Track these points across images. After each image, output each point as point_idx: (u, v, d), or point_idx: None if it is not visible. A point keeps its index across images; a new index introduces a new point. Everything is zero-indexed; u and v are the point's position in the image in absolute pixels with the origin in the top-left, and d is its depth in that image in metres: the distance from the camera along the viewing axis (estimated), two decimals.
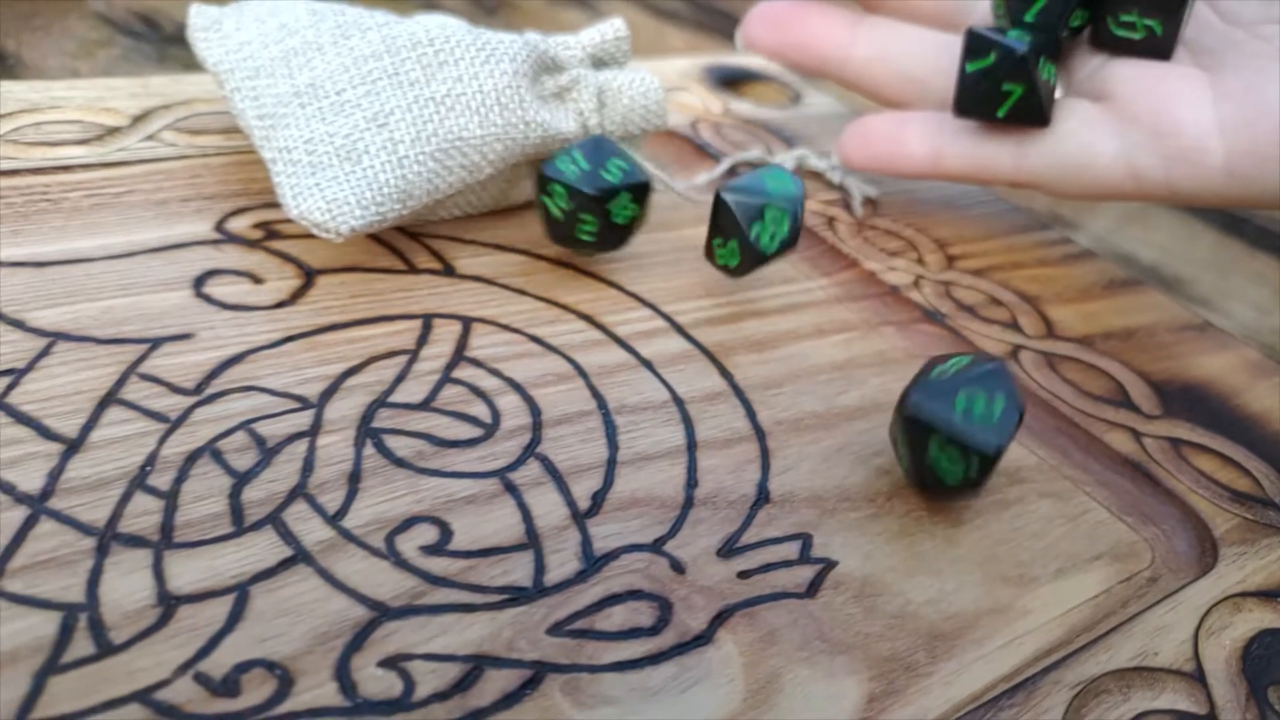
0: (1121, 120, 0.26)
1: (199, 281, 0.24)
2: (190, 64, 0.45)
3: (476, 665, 0.17)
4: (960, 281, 0.30)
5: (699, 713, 0.16)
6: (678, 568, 0.19)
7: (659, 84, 0.29)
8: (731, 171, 0.32)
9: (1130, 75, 0.26)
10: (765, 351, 0.25)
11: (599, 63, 0.29)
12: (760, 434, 0.23)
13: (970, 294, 0.29)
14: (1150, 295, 0.31)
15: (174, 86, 0.31)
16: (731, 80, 0.40)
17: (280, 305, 0.24)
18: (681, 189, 0.30)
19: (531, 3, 0.59)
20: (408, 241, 0.27)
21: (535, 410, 0.22)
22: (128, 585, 0.17)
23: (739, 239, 0.25)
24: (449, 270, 0.26)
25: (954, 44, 0.29)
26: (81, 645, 0.16)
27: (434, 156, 0.25)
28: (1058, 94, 0.28)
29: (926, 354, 0.26)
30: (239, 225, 0.26)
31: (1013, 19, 0.27)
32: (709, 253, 0.26)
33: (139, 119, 0.29)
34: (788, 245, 0.26)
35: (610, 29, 0.29)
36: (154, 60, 0.45)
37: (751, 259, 0.25)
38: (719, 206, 0.25)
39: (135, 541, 0.17)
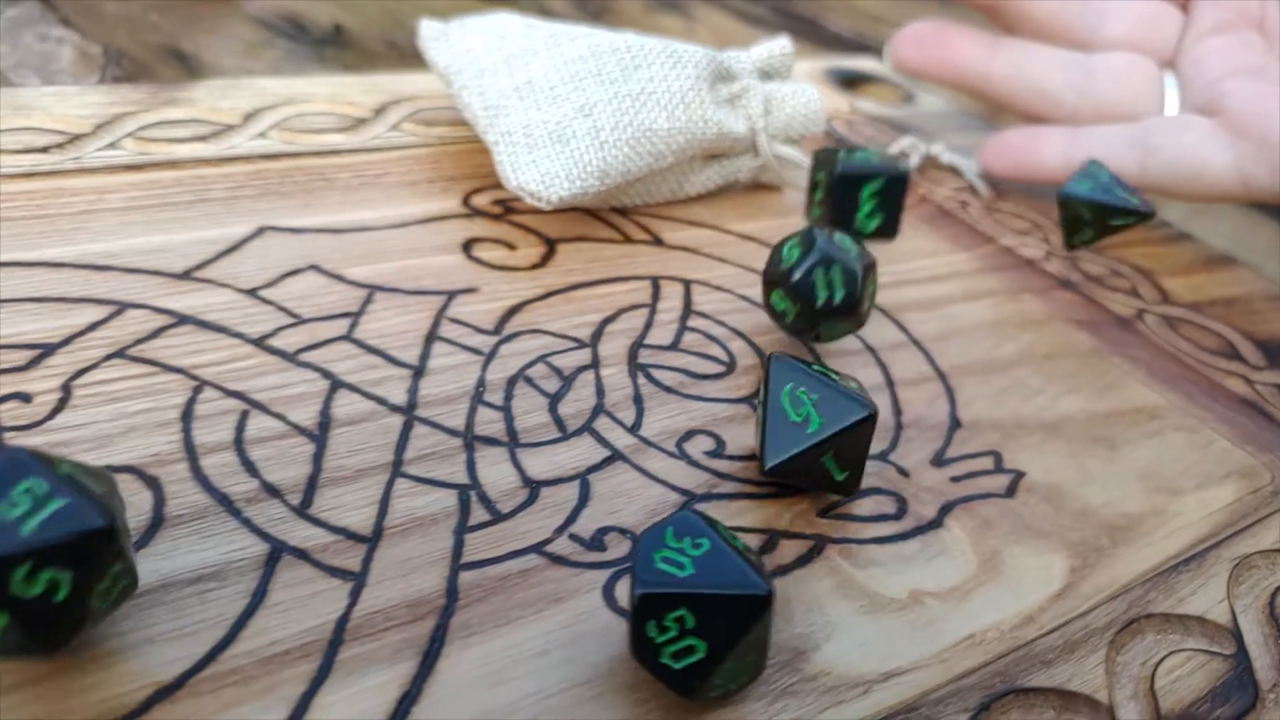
0: (1232, 134, 0.31)
1: (466, 246, 0.28)
2: (349, 64, 0.50)
3: (771, 536, 0.21)
4: (1083, 257, 0.34)
5: (946, 576, 0.21)
6: (903, 473, 0.24)
7: (818, 95, 0.33)
8: None
9: (1239, 93, 0.31)
10: (928, 311, 0.30)
11: (765, 75, 0.34)
12: (942, 376, 0.27)
13: (1094, 267, 0.34)
14: (1242, 271, 0.36)
15: (397, 84, 0.35)
16: (848, 81, 0.45)
17: (535, 267, 0.28)
18: None
19: (630, 8, 0.64)
20: (619, 218, 0.31)
21: (760, 352, 0.27)
22: (498, 472, 0.21)
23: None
24: (658, 241, 0.31)
25: (1082, 62, 0.34)
26: (479, 514, 0.20)
27: (628, 143, 0.29)
28: (1172, 111, 0.33)
29: (1065, 316, 0.31)
30: (481, 202, 0.31)
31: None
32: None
33: (379, 112, 0.33)
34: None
35: (776, 47, 0.34)
36: (313, 60, 0.50)
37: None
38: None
39: (492, 442, 0.22)
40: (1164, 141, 0.32)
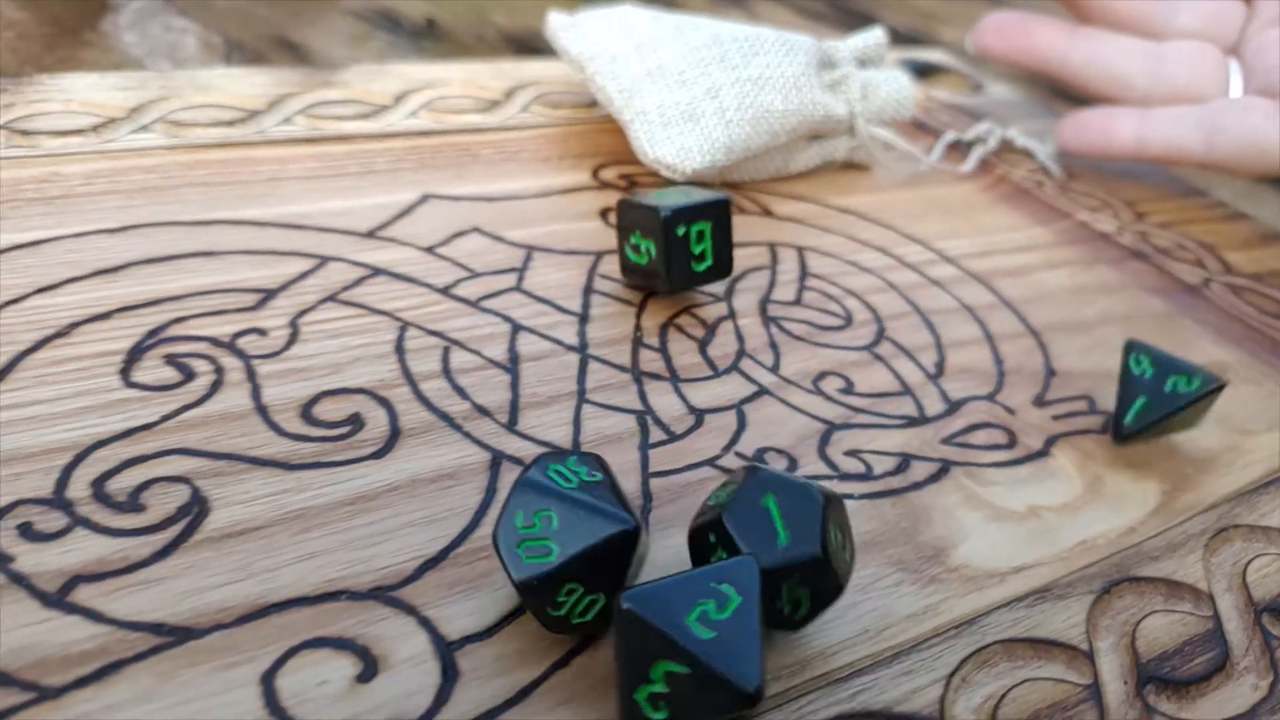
0: None
1: (603, 214, 0.32)
2: (445, 55, 0.53)
3: (905, 459, 0.24)
4: (1152, 232, 0.37)
5: (1057, 495, 0.24)
6: (1010, 411, 0.27)
7: (909, 83, 0.37)
8: (954, 145, 0.40)
9: None
10: (1016, 277, 0.33)
11: (861, 63, 0.37)
12: (1034, 332, 0.30)
13: (1162, 240, 0.37)
14: None
15: (519, 71, 0.39)
16: (920, 71, 0.48)
17: None
18: (927, 161, 0.37)
19: (694, 3, 0.67)
20: (731, 192, 0.35)
21: (873, 309, 0.30)
22: (667, 402, 0.24)
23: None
24: (768, 213, 0.34)
25: (1154, 49, 0.37)
26: (657, 434, 0.24)
27: (750, 122, 0.32)
28: (1236, 94, 0.36)
29: (1139, 284, 0.34)
30: (608, 175, 0.34)
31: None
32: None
33: (509, 95, 0.37)
34: None
35: (872, 38, 0.37)
36: (411, 52, 0.53)
37: None
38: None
39: (655, 377, 0.25)
40: (1229, 121, 0.35)
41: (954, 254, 0.34)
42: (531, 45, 0.56)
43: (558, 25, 0.35)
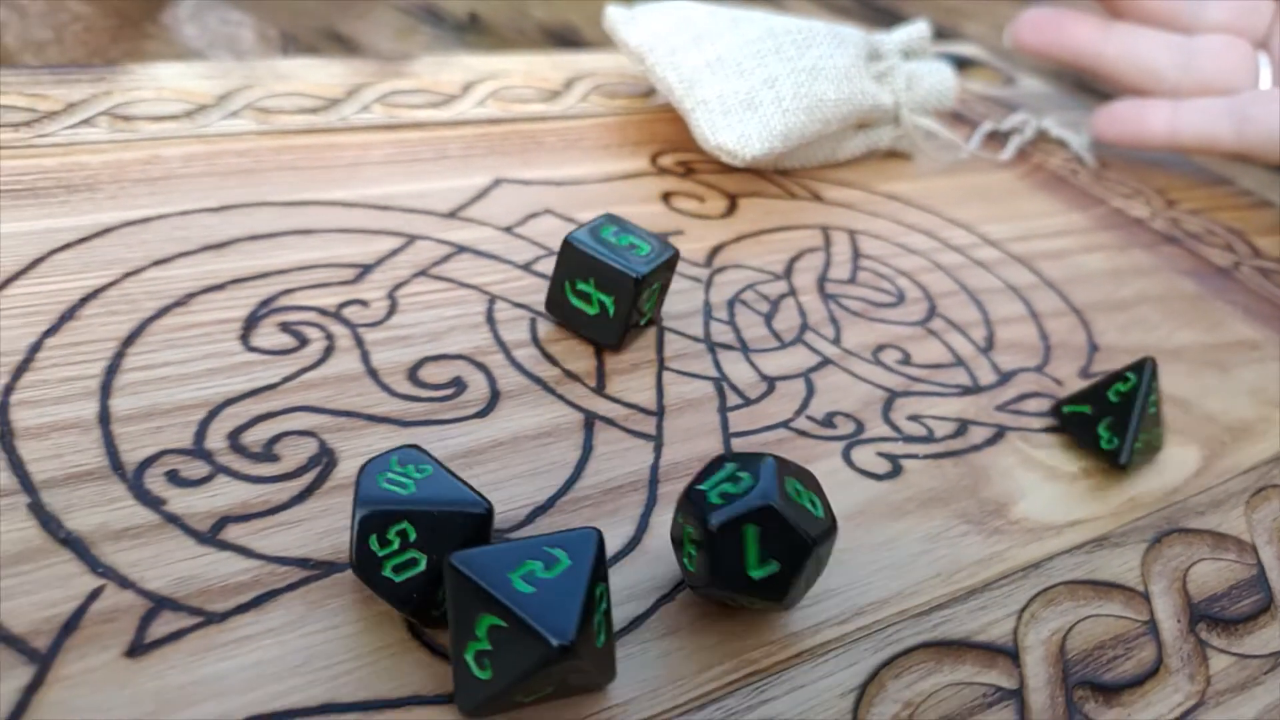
0: None
1: (665, 198, 0.33)
2: (489, 48, 0.55)
3: (962, 424, 0.26)
4: (1183, 218, 0.39)
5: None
6: (1058, 382, 0.28)
7: (951, 74, 0.38)
8: (991, 135, 0.42)
9: None
10: (1055, 260, 0.35)
11: (905, 55, 0.38)
12: (1076, 310, 0.32)
13: (1193, 226, 0.38)
14: None
15: (575, 62, 0.40)
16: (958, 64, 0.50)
17: (723, 216, 0.33)
18: (967, 149, 0.39)
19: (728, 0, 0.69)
20: (783, 179, 0.36)
21: (923, 287, 0.32)
22: (739, 370, 0.26)
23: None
24: (818, 198, 0.36)
25: (1185, 43, 0.38)
26: (733, 398, 0.25)
27: (805, 110, 0.34)
28: (1265, 85, 0.38)
29: (1172, 266, 0.36)
30: (666, 162, 0.36)
31: None
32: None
33: (568, 85, 0.39)
34: None
35: (916, 31, 0.38)
36: (457, 45, 0.55)
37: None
38: None
39: (727, 347, 0.27)
40: (1259, 112, 0.36)
41: (996, 238, 0.35)
42: (569, 39, 0.57)
43: (617, 19, 0.37)
